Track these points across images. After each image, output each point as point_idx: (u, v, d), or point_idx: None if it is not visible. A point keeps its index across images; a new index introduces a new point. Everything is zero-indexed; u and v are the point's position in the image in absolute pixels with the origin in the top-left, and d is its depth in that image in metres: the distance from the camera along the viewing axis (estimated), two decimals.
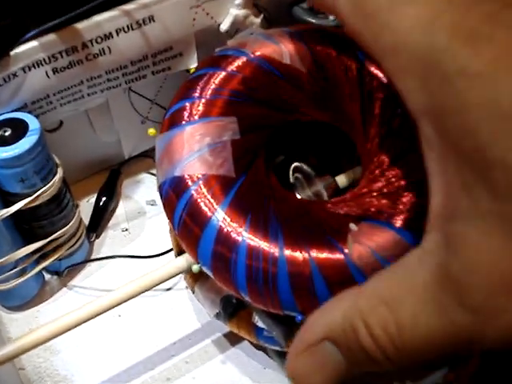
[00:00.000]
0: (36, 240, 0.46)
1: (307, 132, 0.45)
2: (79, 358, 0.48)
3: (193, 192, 0.39)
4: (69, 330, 0.39)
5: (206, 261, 0.39)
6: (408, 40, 0.25)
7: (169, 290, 0.51)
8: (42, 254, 0.48)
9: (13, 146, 0.41)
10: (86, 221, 0.53)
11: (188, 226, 0.39)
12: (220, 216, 0.38)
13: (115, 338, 0.49)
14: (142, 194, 0.56)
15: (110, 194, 0.54)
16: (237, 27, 0.47)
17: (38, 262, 0.48)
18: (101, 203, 0.53)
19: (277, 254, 0.37)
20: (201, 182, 0.39)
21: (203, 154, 0.39)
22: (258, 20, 0.48)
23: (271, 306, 0.38)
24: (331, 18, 0.49)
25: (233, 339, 0.49)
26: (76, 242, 0.49)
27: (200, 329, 0.50)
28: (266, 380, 0.48)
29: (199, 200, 0.38)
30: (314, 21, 0.49)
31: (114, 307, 0.40)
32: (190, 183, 0.39)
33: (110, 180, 0.54)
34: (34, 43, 0.41)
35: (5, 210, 0.42)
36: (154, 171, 0.56)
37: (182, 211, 0.39)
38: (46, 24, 0.40)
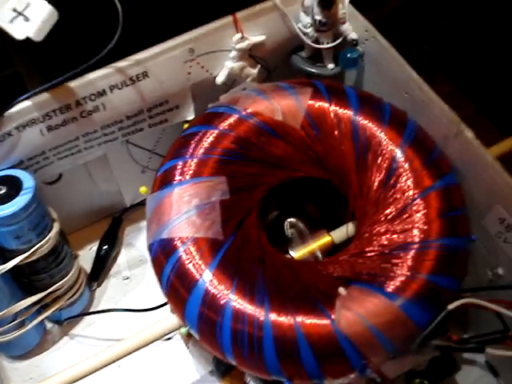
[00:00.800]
0: (35, 292, 0.47)
1: (301, 187, 0.45)
2: None
3: (181, 254, 0.38)
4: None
5: (192, 323, 0.38)
6: None
7: (169, 339, 0.51)
8: (42, 305, 0.48)
9: (8, 205, 0.42)
10: (88, 268, 0.53)
11: (176, 288, 0.39)
12: (207, 278, 0.38)
13: None
14: (143, 240, 0.54)
15: (111, 242, 0.54)
16: (233, 78, 0.47)
17: (38, 312, 0.48)
18: (102, 252, 0.53)
19: (262, 319, 0.36)
20: (189, 243, 0.38)
21: (191, 216, 0.39)
22: (254, 71, 0.47)
23: (257, 371, 0.38)
24: (330, 66, 0.48)
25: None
26: (76, 293, 0.49)
27: (199, 380, 0.49)
28: None
29: (187, 262, 0.38)
30: (312, 70, 0.48)
31: (106, 366, 0.40)
32: (178, 245, 0.39)
33: (111, 228, 0.55)
34: (27, 103, 0.42)
35: (1, 267, 0.43)
36: None
37: (170, 272, 0.39)
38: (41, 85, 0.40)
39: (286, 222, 0.44)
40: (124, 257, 0.55)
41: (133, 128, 0.47)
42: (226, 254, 0.38)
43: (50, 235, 0.44)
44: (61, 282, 0.47)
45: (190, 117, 0.48)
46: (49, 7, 0.37)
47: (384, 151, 0.41)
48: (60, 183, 0.49)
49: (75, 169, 0.48)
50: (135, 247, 0.55)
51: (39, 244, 0.44)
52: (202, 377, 0.49)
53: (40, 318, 0.48)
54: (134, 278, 0.54)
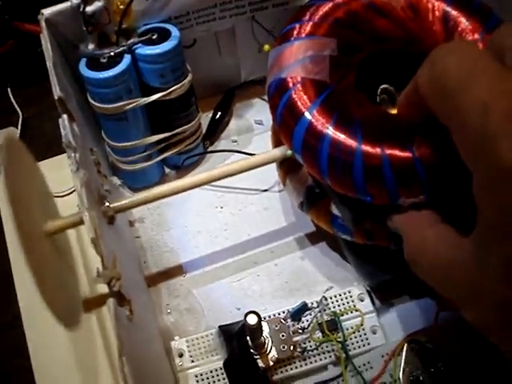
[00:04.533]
0: (164, 132, 0.57)
1: (394, 61, 0.53)
2: (185, 237, 0.59)
3: (292, 91, 0.48)
4: (176, 193, 0.49)
5: (297, 148, 0.48)
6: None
7: (265, 191, 0.61)
8: (165, 146, 0.58)
9: (157, 46, 0.52)
10: (204, 131, 0.64)
11: (286, 119, 0.48)
12: (311, 112, 0.47)
13: (216, 225, 0.59)
14: (251, 114, 0.66)
15: (224, 109, 0.64)
16: None
17: (161, 152, 0.59)
18: (217, 116, 0.63)
19: (354, 147, 0.45)
20: (299, 84, 0.48)
21: (305, 62, 0.48)
22: None
23: (347, 189, 0.46)
24: None
25: (312, 239, 0.58)
26: (195, 141, 0.59)
27: (286, 227, 0.59)
28: (336, 276, 0.56)
29: (296, 98, 0.47)
30: None
31: (220, 179, 0.49)
32: (290, 84, 0.48)
33: (225, 98, 0.65)
34: None
35: (145, 98, 0.53)
36: (264, 97, 0.66)
37: (282, 107, 0.48)
38: None
39: (380, 87, 0.52)
40: (234, 124, 0.65)
41: (259, 5, 0.57)
42: (329, 95, 0.47)
43: (185, 81, 0.55)
44: (185, 126, 0.58)
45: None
46: None
47: (467, 35, 0.49)
48: (194, 48, 0.59)
49: (207, 37, 0.58)
50: (244, 118, 0.66)
51: (177, 86, 0.54)
52: (291, 224, 0.59)
53: (163, 155, 0.59)
54: (240, 142, 0.64)
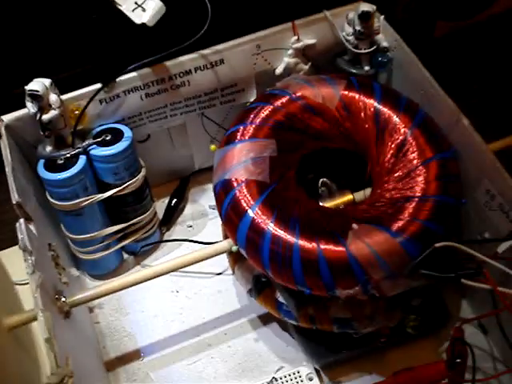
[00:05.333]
0: (120, 223, 0.60)
1: (333, 157, 0.57)
2: (142, 320, 0.62)
3: (236, 191, 0.51)
4: (135, 284, 0.52)
5: (241, 243, 0.51)
6: None
7: (219, 274, 0.64)
8: (123, 235, 0.62)
9: (111, 147, 0.56)
10: (161, 216, 0.67)
11: (231, 216, 0.52)
12: (254, 210, 0.50)
13: (172, 309, 0.62)
14: (206, 199, 0.69)
15: (180, 196, 0.68)
16: (289, 72, 0.60)
17: (119, 241, 0.62)
18: (172, 203, 0.67)
19: (293, 243, 0.49)
20: (243, 184, 0.51)
21: (247, 164, 0.52)
22: (306, 67, 0.61)
23: (287, 282, 0.50)
24: (366, 68, 0.61)
25: (265, 320, 0.61)
26: (151, 229, 0.63)
27: (239, 308, 0.62)
28: (287, 356, 0.58)
29: (240, 197, 0.51)
30: (352, 70, 0.61)
31: (173, 271, 0.53)
32: (235, 184, 0.52)
33: (181, 186, 0.69)
34: (133, 74, 0.56)
35: (100, 195, 0.57)
36: None
37: (227, 205, 0.52)
38: (142, 61, 0.55)
39: (320, 181, 0.56)
40: (189, 210, 0.69)
41: (208, 103, 0.61)
42: (270, 194, 0.51)
43: (138, 176, 0.58)
44: (141, 217, 0.61)
45: (252, 99, 0.61)
46: (160, 3, 0.51)
47: (397, 131, 0.53)
48: (148, 143, 0.63)
49: (160, 132, 0.63)
50: (198, 203, 0.69)
51: (130, 181, 0.58)
52: (243, 306, 0.62)
53: (121, 244, 0.62)
54: (196, 227, 0.68)
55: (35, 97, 0.52)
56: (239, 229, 0.51)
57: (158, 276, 0.53)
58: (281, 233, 0.49)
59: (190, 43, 0.54)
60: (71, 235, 0.59)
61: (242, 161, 0.52)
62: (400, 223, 0.49)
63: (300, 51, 0.60)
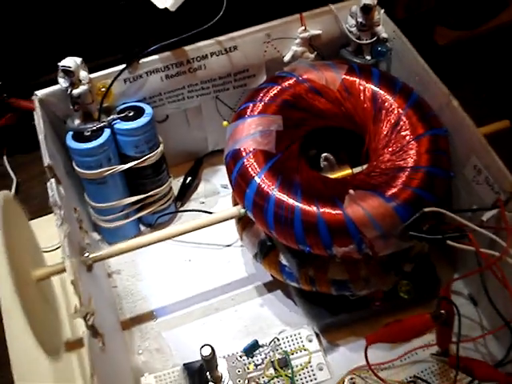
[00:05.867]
0: (138, 194, 0.66)
1: (335, 135, 0.62)
2: (156, 286, 0.67)
3: (244, 160, 0.57)
4: (152, 243, 0.57)
5: (249, 207, 0.56)
6: None
7: (228, 246, 0.69)
8: (140, 207, 0.67)
9: (133, 122, 0.62)
10: (176, 194, 0.73)
11: (239, 183, 0.57)
12: (260, 177, 0.56)
13: (184, 276, 0.67)
14: (217, 179, 0.75)
15: (194, 175, 0.73)
16: (296, 59, 0.66)
17: (137, 212, 0.68)
18: (187, 181, 0.73)
19: (294, 206, 0.54)
20: (251, 154, 0.57)
21: (255, 136, 0.58)
22: (312, 55, 0.66)
23: (290, 241, 0.55)
24: (367, 58, 0.66)
25: (269, 288, 0.66)
26: (166, 202, 0.68)
27: (246, 277, 0.67)
28: (289, 320, 0.63)
29: (248, 165, 0.57)
30: (355, 60, 0.67)
31: (187, 232, 0.58)
32: (243, 154, 0.57)
33: (194, 166, 0.75)
34: (155, 56, 0.62)
35: (122, 166, 0.62)
36: None
37: (236, 173, 0.57)
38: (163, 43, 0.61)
39: (322, 155, 0.61)
40: (202, 188, 0.75)
41: (222, 87, 0.67)
42: (275, 163, 0.56)
43: (157, 150, 0.64)
44: (158, 189, 0.67)
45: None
46: None
47: (392, 110, 0.59)
48: (166, 123, 0.69)
49: (178, 114, 0.69)
50: (211, 182, 0.75)
51: (149, 155, 0.64)
52: (250, 275, 0.67)
53: (139, 214, 0.67)
54: (207, 203, 0.74)
55: (67, 72, 0.58)
56: (247, 194, 0.56)
57: (173, 237, 0.59)
58: (284, 197, 0.54)
59: (204, 28, 0.60)
60: (94, 203, 0.64)
61: (250, 133, 0.58)
62: (393, 190, 0.54)
63: (307, 41, 0.65)
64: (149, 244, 0.58)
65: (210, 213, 0.68)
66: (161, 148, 0.65)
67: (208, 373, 0.56)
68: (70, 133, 0.61)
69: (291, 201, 0.54)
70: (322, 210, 0.53)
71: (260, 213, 0.56)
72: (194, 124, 0.71)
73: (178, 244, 0.69)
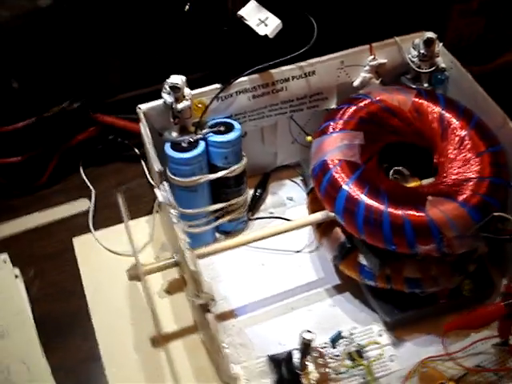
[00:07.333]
0: (220, 202, 0.72)
1: (402, 151, 0.70)
2: (234, 287, 0.73)
3: (333, 171, 0.64)
4: (252, 241, 0.64)
5: (339, 212, 0.63)
6: None
7: (298, 252, 0.76)
8: (218, 215, 0.73)
9: (224, 136, 0.69)
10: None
11: (329, 191, 0.64)
12: (348, 185, 0.63)
13: (259, 279, 0.73)
14: (284, 192, 0.82)
15: (263, 188, 0.80)
16: (364, 85, 0.74)
17: (217, 219, 0.74)
18: (257, 193, 0.79)
19: (383, 210, 0.61)
20: (338, 165, 0.64)
21: (342, 148, 0.65)
22: (377, 82, 0.75)
23: (378, 241, 0.62)
24: (425, 85, 0.75)
25: (338, 290, 0.72)
26: (244, 211, 0.75)
27: (317, 280, 0.73)
28: (359, 318, 0.70)
29: (336, 176, 0.64)
30: (413, 86, 0.75)
31: (279, 234, 0.65)
32: (331, 166, 0.64)
33: (263, 179, 0.82)
34: (245, 78, 0.70)
35: (213, 175, 0.69)
36: (294, 179, 0.83)
37: (326, 182, 0.64)
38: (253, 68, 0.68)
39: (393, 169, 0.69)
40: (270, 200, 0.82)
41: (297, 107, 0.75)
42: (361, 172, 0.64)
43: (242, 162, 0.71)
44: (238, 199, 0.73)
45: (332, 106, 0.75)
46: (279, 20, 0.66)
47: (457, 131, 0.67)
48: (244, 139, 0.75)
49: (255, 131, 0.75)
50: (278, 195, 0.82)
51: (235, 166, 0.70)
52: (321, 278, 0.74)
53: (219, 221, 0.73)
54: (275, 214, 0.80)
55: (174, 88, 0.64)
56: (337, 201, 0.63)
57: (265, 237, 0.65)
58: (373, 202, 0.62)
59: (291, 57, 0.68)
60: (181, 209, 0.70)
61: (337, 146, 0.65)
62: (465, 196, 0.62)
63: (374, 68, 0.74)
64: (247, 243, 0.65)
65: (288, 220, 0.75)
66: (245, 160, 0.71)
67: (298, 359, 0.62)
68: (168, 143, 0.68)
69: (379, 205, 0.61)
70: (407, 212, 0.61)
71: (350, 216, 0.63)
72: (267, 141, 0.78)
73: (252, 250, 0.74)
